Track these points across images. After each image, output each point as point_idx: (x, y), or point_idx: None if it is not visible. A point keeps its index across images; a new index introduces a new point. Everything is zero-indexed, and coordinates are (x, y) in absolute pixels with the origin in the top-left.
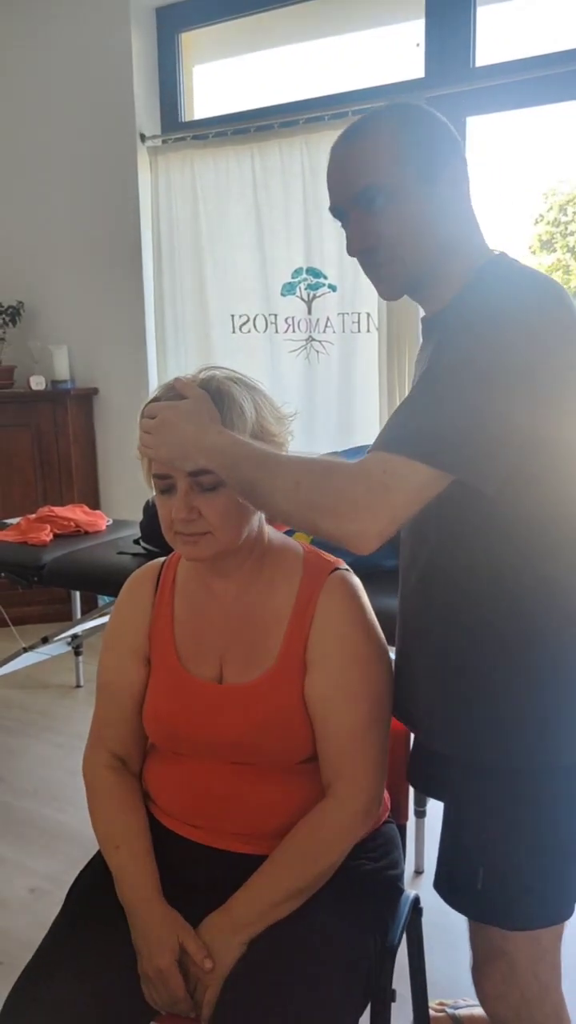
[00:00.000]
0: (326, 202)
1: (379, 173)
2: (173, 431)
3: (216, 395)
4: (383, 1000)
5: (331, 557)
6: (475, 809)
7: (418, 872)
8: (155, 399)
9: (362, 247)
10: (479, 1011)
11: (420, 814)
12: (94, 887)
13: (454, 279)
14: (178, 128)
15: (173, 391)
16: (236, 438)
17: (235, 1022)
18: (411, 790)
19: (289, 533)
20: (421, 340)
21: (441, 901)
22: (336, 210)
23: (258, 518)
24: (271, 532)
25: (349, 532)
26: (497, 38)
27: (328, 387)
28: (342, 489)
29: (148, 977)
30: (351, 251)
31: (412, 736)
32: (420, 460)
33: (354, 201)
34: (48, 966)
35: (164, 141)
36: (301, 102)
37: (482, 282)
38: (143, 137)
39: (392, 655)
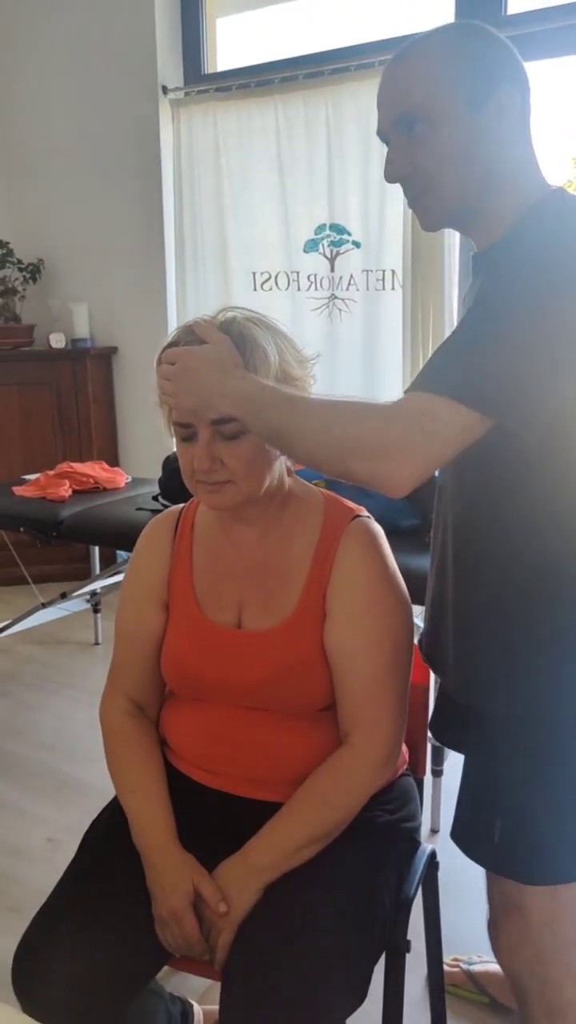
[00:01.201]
0: (351, 156)
1: (421, 97)
2: (195, 377)
3: (238, 339)
4: (397, 950)
5: (352, 504)
6: (496, 761)
7: (434, 831)
8: (172, 343)
9: (399, 174)
10: (494, 967)
11: (437, 773)
12: (109, 832)
13: (505, 214)
14: (201, 80)
15: (192, 335)
16: (261, 383)
17: (249, 966)
18: (429, 747)
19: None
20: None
21: (459, 858)
22: (381, 134)
23: (280, 465)
24: (293, 480)
25: (382, 475)
26: None
27: (351, 347)
28: (376, 431)
29: (162, 919)
30: (388, 177)
31: (435, 687)
32: (462, 401)
33: (394, 125)
34: (63, 908)
35: (187, 93)
36: (326, 52)
37: (536, 220)
38: (165, 89)
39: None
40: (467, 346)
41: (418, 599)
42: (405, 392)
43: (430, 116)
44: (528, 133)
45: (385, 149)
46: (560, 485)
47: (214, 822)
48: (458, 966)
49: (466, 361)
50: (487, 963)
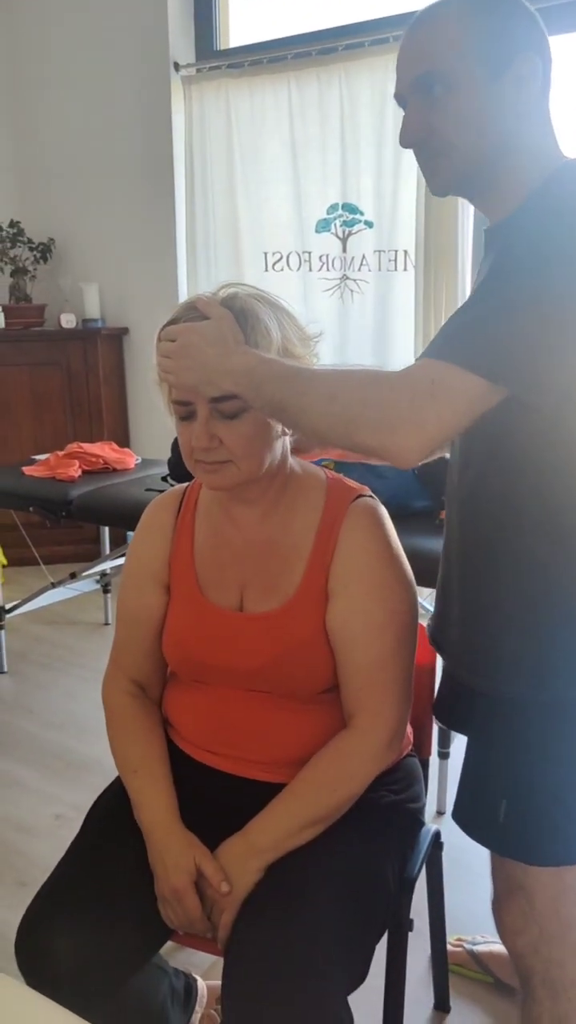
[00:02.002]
0: (365, 134)
1: (439, 59)
2: (195, 354)
3: (240, 314)
4: (400, 929)
5: (355, 484)
6: (501, 741)
7: (440, 812)
8: (172, 321)
9: (414, 139)
10: (498, 948)
11: (444, 755)
12: (112, 810)
13: (519, 185)
14: (213, 56)
15: (194, 311)
16: (261, 356)
17: (251, 944)
18: (435, 727)
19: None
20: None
21: (464, 839)
22: (399, 97)
23: (281, 445)
24: (294, 459)
25: (390, 446)
26: None
27: (362, 328)
28: (384, 400)
29: (164, 897)
30: (402, 142)
31: (439, 668)
32: (473, 370)
33: (412, 87)
34: (66, 884)
35: (198, 70)
36: (340, 28)
37: (551, 189)
38: (177, 66)
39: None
40: (480, 315)
41: (428, 581)
42: (416, 360)
43: (448, 79)
44: (547, 104)
45: (400, 120)
46: (573, 454)
47: (216, 802)
48: (461, 946)
49: (478, 330)
50: (491, 943)
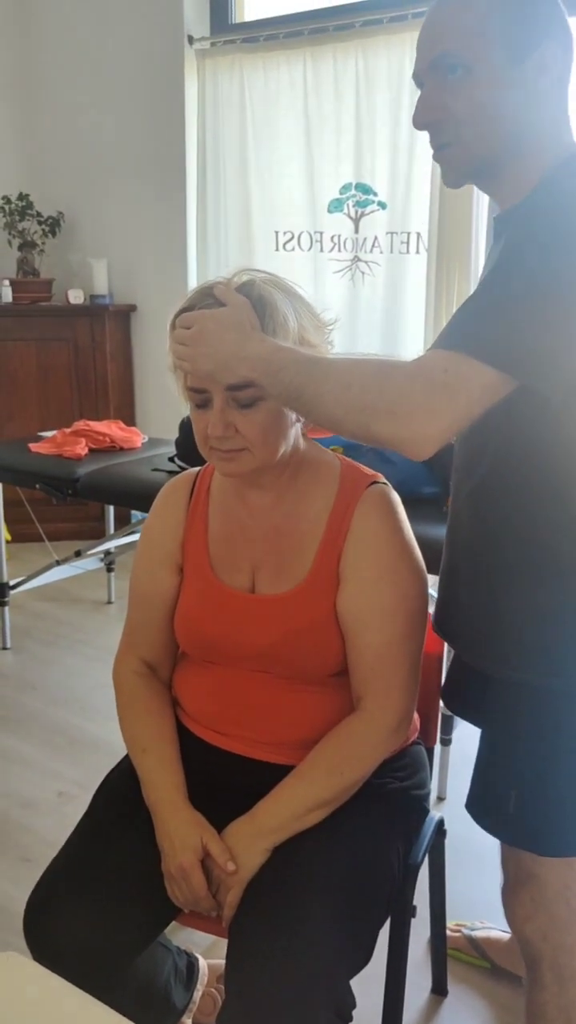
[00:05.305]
0: (380, 113)
1: (460, 41)
2: (212, 341)
3: (258, 302)
4: (403, 915)
5: (369, 471)
6: (511, 732)
7: (440, 798)
8: (187, 307)
9: (427, 120)
10: (495, 933)
11: (446, 742)
12: (120, 789)
13: (531, 173)
14: (227, 30)
15: (210, 298)
16: (278, 344)
17: (256, 924)
18: (440, 714)
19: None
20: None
21: (465, 826)
22: (416, 77)
23: (295, 432)
24: (308, 445)
25: (405, 436)
26: None
27: (372, 311)
28: (398, 389)
29: (171, 875)
30: (416, 122)
31: (448, 656)
32: (485, 361)
33: (430, 67)
34: (75, 862)
35: (213, 44)
36: (358, 3)
37: (560, 179)
38: (191, 39)
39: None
40: (491, 304)
41: (436, 568)
42: (429, 349)
43: (468, 62)
44: (565, 94)
45: (416, 99)
46: None
47: (224, 783)
48: (460, 931)
49: (490, 320)
50: (488, 929)
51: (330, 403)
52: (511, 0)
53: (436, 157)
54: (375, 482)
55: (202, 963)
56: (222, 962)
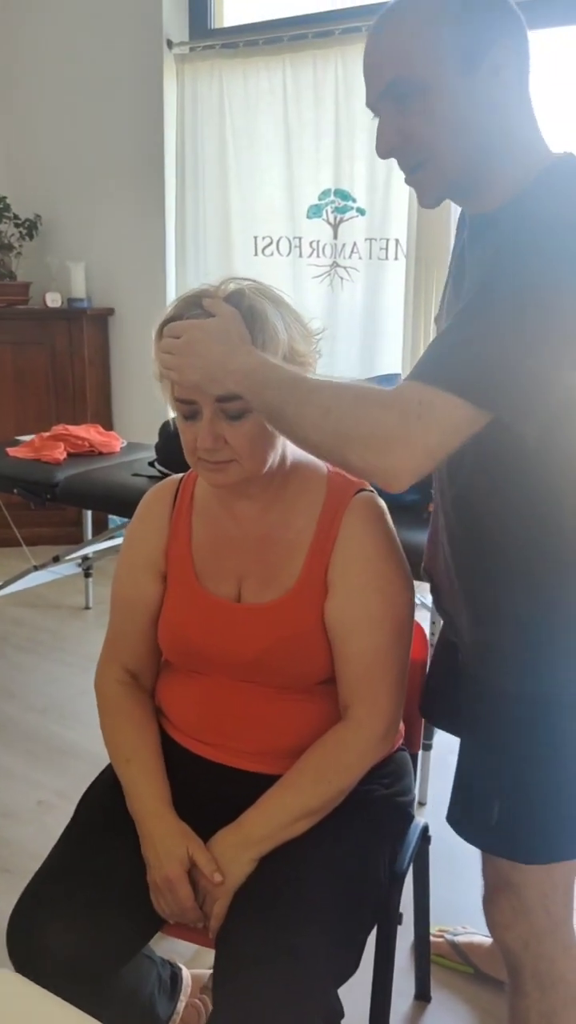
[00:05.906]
0: (360, 120)
1: (409, 64)
2: (201, 351)
3: (248, 313)
4: (390, 923)
5: (355, 478)
6: (492, 741)
7: (421, 803)
8: (174, 317)
9: (389, 147)
10: (478, 938)
11: (426, 747)
12: (104, 799)
13: (507, 182)
14: (207, 35)
15: (198, 308)
16: (264, 359)
17: (243, 934)
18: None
19: None
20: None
21: (446, 830)
22: (370, 106)
23: (282, 443)
24: (296, 452)
25: (379, 466)
26: None
27: (351, 316)
28: (374, 419)
29: (156, 886)
30: (380, 152)
31: (428, 667)
32: (459, 395)
33: (382, 95)
34: (59, 873)
35: (192, 49)
36: (338, 11)
37: (541, 192)
38: (170, 44)
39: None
40: (466, 338)
41: (420, 575)
42: (405, 379)
43: (420, 83)
44: (527, 94)
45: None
46: (564, 474)
47: (210, 793)
48: (443, 937)
49: (465, 353)
50: (471, 934)
51: (308, 427)
52: (449, 9)
53: (409, 181)
54: (362, 489)
55: (185, 973)
56: (206, 972)
